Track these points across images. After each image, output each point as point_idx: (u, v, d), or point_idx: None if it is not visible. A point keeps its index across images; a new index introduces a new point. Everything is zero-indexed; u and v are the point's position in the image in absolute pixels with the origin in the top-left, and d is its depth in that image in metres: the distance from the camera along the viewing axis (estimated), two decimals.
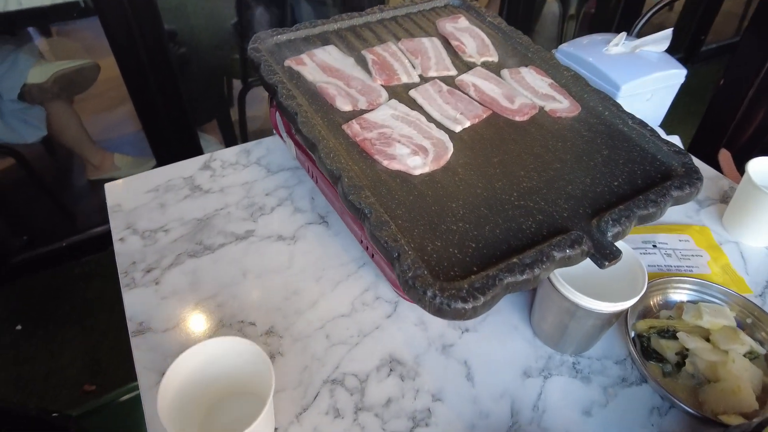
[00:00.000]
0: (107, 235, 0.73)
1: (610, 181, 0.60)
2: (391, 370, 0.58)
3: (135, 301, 0.64)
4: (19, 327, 1.62)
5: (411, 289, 0.46)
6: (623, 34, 0.92)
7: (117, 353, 1.53)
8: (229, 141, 2.02)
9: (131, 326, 0.61)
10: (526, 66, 0.76)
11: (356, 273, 0.68)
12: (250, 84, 1.96)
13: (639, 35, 0.98)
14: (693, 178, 0.59)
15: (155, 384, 0.56)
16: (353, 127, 0.63)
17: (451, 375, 0.58)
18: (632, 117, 0.68)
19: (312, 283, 0.67)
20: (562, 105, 0.69)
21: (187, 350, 0.48)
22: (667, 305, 0.65)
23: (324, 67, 0.72)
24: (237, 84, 2.04)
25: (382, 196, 0.55)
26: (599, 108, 0.70)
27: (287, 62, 0.73)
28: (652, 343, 0.60)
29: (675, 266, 0.69)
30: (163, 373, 0.57)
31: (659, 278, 0.65)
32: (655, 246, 0.72)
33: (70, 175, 2.12)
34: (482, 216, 0.55)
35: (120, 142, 2.33)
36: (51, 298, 1.71)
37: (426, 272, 0.47)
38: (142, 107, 1.53)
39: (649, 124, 0.67)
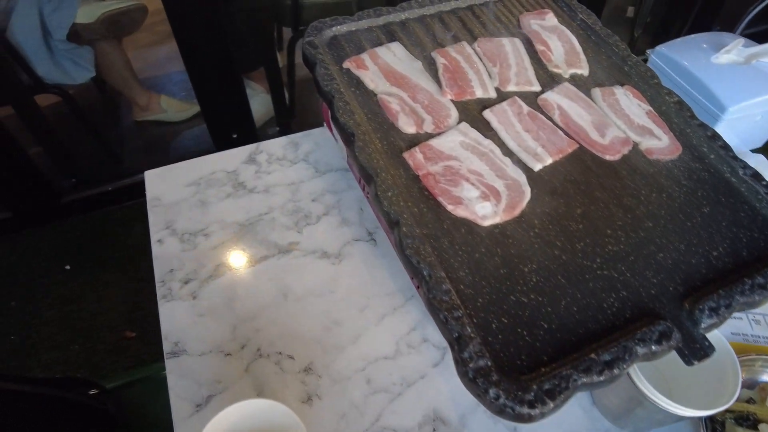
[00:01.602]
0: None
1: (709, 250, 0.52)
2: (434, 430, 0.54)
3: (171, 316, 0.62)
4: (67, 267, 1.68)
5: (471, 382, 0.41)
6: (740, 40, 0.78)
7: (156, 303, 1.57)
8: (276, 90, 1.95)
9: (167, 346, 0.59)
10: (622, 85, 0.65)
11: (403, 307, 0.63)
12: (301, 32, 1.86)
13: (743, 33, 0.83)
14: None
15: (189, 416, 0.54)
16: (416, 158, 0.55)
17: None
18: (744, 165, 0.57)
19: (355, 312, 0.62)
20: (660, 143, 0.59)
21: (218, 415, 0.45)
22: (750, 384, 0.58)
23: (388, 72, 0.63)
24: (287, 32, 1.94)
25: (443, 251, 0.49)
26: (704, 148, 0.60)
27: (346, 63, 0.64)
28: (727, 431, 0.54)
29: (764, 337, 0.61)
30: (198, 405, 0.56)
31: (744, 354, 0.57)
32: None
33: (116, 115, 2.12)
34: (558, 287, 0.48)
35: (166, 81, 2.31)
36: (96, 241, 1.75)
37: (490, 363, 0.41)
38: (185, 47, 1.47)
39: (750, 145, 0.57)
